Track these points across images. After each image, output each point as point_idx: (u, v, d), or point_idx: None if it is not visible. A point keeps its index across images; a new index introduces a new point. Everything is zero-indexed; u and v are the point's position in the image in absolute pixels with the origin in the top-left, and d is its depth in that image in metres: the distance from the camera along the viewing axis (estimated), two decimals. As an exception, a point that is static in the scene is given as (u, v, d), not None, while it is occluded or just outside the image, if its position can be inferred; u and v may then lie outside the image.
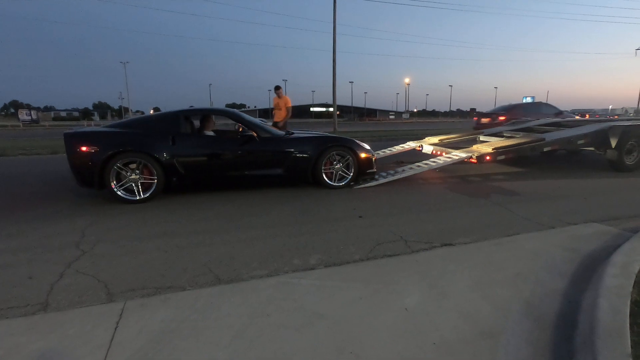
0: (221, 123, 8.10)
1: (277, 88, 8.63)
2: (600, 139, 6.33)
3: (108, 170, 4.23)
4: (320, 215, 3.85)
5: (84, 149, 4.24)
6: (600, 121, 7.93)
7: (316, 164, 5.01)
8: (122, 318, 1.94)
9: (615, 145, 6.22)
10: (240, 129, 5.21)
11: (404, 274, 2.44)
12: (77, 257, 2.75)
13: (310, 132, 6.15)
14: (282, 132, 5.33)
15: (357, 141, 5.33)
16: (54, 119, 66.82)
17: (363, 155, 5.22)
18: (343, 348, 1.70)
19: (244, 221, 3.68)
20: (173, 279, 2.41)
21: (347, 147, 5.14)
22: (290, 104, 8.46)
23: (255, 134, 4.88)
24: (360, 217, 3.77)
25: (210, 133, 5.15)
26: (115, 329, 1.85)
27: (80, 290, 2.26)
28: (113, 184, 4.28)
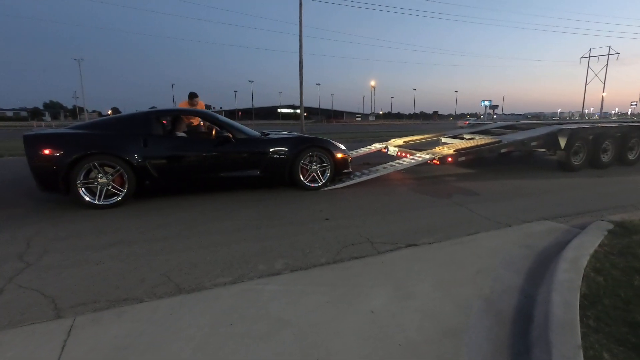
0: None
1: (193, 96, 6.97)
2: (550, 140, 6.75)
3: (74, 175, 3.97)
4: (286, 219, 3.80)
5: (46, 152, 3.95)
6: (550, 124, 8.47)
7: (293, 164, 4.99)
8: (71, 336, 1.79)
9: (564, 147, 6.66)
10: (213, 130, 5.08)
11: (370, 276, 2.45)
12: (20, 270, 2.52)
13: (286, 132, 6.12)
14: (257, 133, 5.26)
15: (333, 141, 5.39)
16: (-1, 119, 61.82)
17: (339, 155, 5.27)
18: (309, 354, 1.67)
19: (207, 226, 3.55)
20: (129, 290, 2.27)
21: (324, 147, 5.17)
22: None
23: (230, 135, 4.78)
24: (326, 219, 3.76)
25: (182, 134, 4.99)
26: (63, 348, 1.70)
27: (23, 307, 2.07)
28: (80, 189, 4.02)
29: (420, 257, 2.78)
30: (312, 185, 5.16)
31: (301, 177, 5.08)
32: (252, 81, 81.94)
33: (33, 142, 4.01)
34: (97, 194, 4.10)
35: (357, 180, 5.51)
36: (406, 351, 1.70)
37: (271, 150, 4.92)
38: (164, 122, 4.84)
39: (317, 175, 5.21)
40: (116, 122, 4.67)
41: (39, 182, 4.05)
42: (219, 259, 2.75)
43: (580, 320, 1.80)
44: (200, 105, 7.21)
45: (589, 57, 60.55)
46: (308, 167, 5.14)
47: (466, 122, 11.73)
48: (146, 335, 1.80)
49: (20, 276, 2.44)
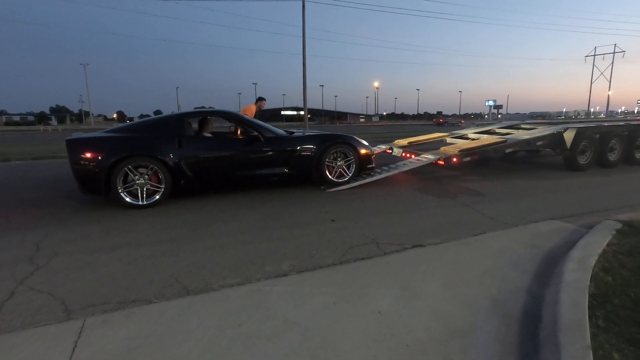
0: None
1: (261, 99, 8.40)
2: (556, 140, 6.71)
3: (115, 176, 4.13)
4: (291, 220, 3.81)
5: (89, 155, 4.12)
6: (555, 123, 8.41)
7: (319, 161, 5.19)
8: (82, 337, 1.81)
9: (570, 146, 6.61)
10: (239, 130, 5.26)
11: (377, 277, 2.45)
12: (30, 273, 2.55)
13: (311, 130, 6.37)
14: (284, 132, 5.43)
15: (357, 138, 5.56)
16: (6, 123, 62.69)
17: (363, 151, 5.47)
18: (317, 355, 1.67)
19: (213, 228, 3.57)
20: (137, 291, 2.29)
21: (349, 143, 5.37)
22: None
23: (259, 134, 4.95)
24: (332, 220, 3.76)
25: (208, 135, 5.18)
26: (74, 349, 1.72)
27: (34, 308, 2.10)
28: (120, 189, 4.19)
29: (427, 258, 2.77)
30: (339, 180, 5.36)
31: (327, 173, 5.28)
32: (256, 83, 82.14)
33: (75, 146, 4.17)
34: (139, 195, 4.27)
35: (361, 181, 5.51)
36: (414, 351, 1.70)
37: (298, 148, 5.10)
38: (194, 123, 5.07)
39: (343, 170, 5.42)
40: (151, 124, 4.83)
41: (82, 184, 4.23)
42: (226, 261, 2.76)
43: (589, 320, 1.79)
44: (254, 108, 7.97)
45: (594, 55, 60.09)
46: (333, 164, 5.34)
47: (462, 122, 11.72)
48: (155, 336, 1.82)
49: (30, 278, 2.47)
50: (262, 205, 4.46)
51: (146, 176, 4.29)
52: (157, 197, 4.35)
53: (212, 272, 2.56)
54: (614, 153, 7.16)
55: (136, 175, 4.23)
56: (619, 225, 3.15)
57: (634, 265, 2.39)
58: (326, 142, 5.21)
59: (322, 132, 5.66)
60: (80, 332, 1.85)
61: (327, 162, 5.24)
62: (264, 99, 8.41)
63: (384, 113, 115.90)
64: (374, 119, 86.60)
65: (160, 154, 4.33)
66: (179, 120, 4.77)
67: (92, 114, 66.47)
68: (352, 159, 5.40)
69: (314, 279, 2.45)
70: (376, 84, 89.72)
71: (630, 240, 2.81)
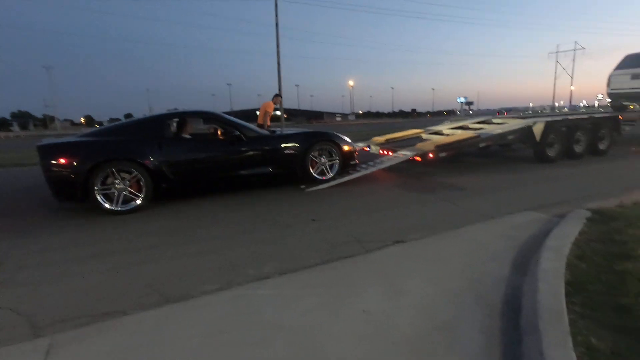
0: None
1: (277, 95, 8.91)
2: (526, 134, 6.95)
3: (92, 182, 3.94)
4: (273, 222, 3.75)
5: (63, 161, 3.91)
6: (524, 117, 8.71)
7: (303, 159, 5.14)
8: (50, 355, 1.69)
9: (539, 139, 6.86)
10: (219, 131, 5.20)
11: (360, 275, 2.44)
12: (-8, 289, 2.38)
13: (293, 129, 6.36)
14: (266, 131, 5.37)
15: (339, 134, 5.58)
16: (-38, 130, 58.69)
17: (346, 148, 5.48)
18: (304, 359, 1.63)
19: (192, 233, 3.46)
20: (111, 303, 2.17)
21: (332, 140, 5.36)
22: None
23: (241, 134, 4.84)
24: (313, 220, 3.73)
25: (187, 136, 5.03)
26: (42, 369, 1.60)
27: (-4, 328, 1.95)
28: (98, 195, 4.00)
29: (409, 254, 2.79)
30: (323, 177, 5.32)
31: (311, 169, 5.23)
32: (230, 84, 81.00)
33: (48, 152, 3.97)
34: (115, 200, 4.08)
35: (340, 180, 5.50)
36: (400, 348, 1.69)
37: (282, 146, 5.06)
38: (173, 125, 4.95)
39: (326, 168, 5.39)
40: (128, 127, 4.67)
41: (56, 191, 4.02)
42: (207, 266, 2.67)
43: (567, 307, 1.84)
44: (272, 104, 8.48)
45: (557, 52, 62.97)
46: (317, 160, 5.32)
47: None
48: (131, 350, 1.73)
49: (-8, 295, 2.30)
50: (243, 207, 4.37)
51: (127, 182, 4.13)
52: (139, 202, 4.18)
53: (192, 279, 2.47)
54: (579, 145, 7.48)
55: (117, 179, 4.06)
56: (589, 214, 3.28)
57: (605, 251, 2.49)
58: (310, 140, 5.18)
59: (305, 130, 5.65)
60: (48, 351, 1.72)
61: (312, 157, 5.21)
62: (280, 96, 8.98)
63: (360, 112, 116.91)
64: (350, 117, 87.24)
65: (140, 157, 4.17)
66: (158, 121, 4.64)
67: (58, 119, 63.51)
68: (335, 159, 5.40)
69: (298, 281, 2.40)
70: (351, 83, 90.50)
71: (600, 228, 2.93)
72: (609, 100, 10.95)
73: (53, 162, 3.92)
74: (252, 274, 2.51)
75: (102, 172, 3.99)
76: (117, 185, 4.09)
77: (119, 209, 4.10)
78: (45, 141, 4.24)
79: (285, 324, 1.91)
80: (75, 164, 3.92)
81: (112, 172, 4.04)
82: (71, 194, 4.04)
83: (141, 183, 4.19)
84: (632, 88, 9.74)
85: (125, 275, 2.55)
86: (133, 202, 4.18)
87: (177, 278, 2.49)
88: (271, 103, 8.49)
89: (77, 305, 2.16)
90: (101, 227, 3.68)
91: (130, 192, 4.17)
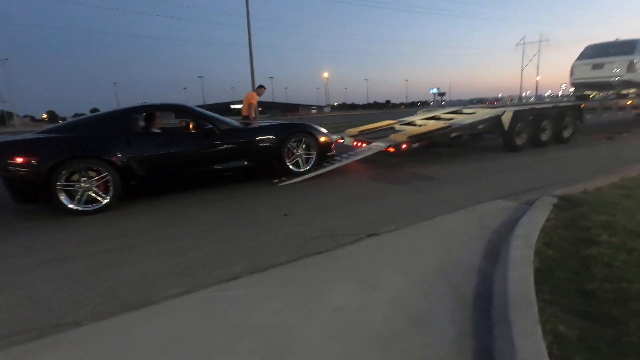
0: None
1: (261, 87, 8.88)
2: (495, 123, 7.10)
3: (54, 181, 3.65)
4: (244, 219, 3.63)
5: (19, 159, 3.61)
6: (494, 107, 8.91)
7: (279, 151, 5.02)
8: (-9, 376, 1.54)
9: (508, 128, 7.03)
10: (191, 124, 5.01)
11: (333, 271, 2.38)
12: None
13: (268, 121, 6.19)
14: (239, 124, 5.21)
15: (316, 126, 5.51)
16: None
17: (322, 139, 5.40)
18: (272, 364, 1.56)
19: (159, 233, 3.29)
20: (64, 314, 2.01)
21: (308, 132, 5.27)
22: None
23: (214, 127, 4.69)
24: (285, 215, 3.64)
25: (157, 130, 4.76)
26: (-19, 392, 1.45)
27: None
28: (61, 195, 3.73)
29: (383, 246, 2.75)
30: (298, 170, 5.23)
31: (288, 162, 5.13)
32: (202, 77, 78.79)
33: (3, 151, 3.66)
34: (77, 199, 3.82)
35: (314, 173, 5.42)
36: (373, 345, 1.65)
37: (257, 139, 4.94)
38: (142, 119, 4.72)
39: (302, 160, 5.29)
40: (93, 122, 4.39)
41: (14, 193, 3.74)
42: (171, 268, 2.54)
43: (536, 294, 1.85)
44: (255, 95, 8.48)
45: (524, 43, 65.15)
46: (294, 151, 5.22)
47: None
48: (86, 364, 1.59)
49: None
50: (215, 204, 4.22)
51: (93, 180, 3.89)
52: (106, 201, 3.95)
53: (155, 283, 2.33)
54: (545, 133, 7.73)
55: (82, 177, 3.82)
56: (555, 200, 3.36)
57: (571, 237, 2.55)
58: (286, 132, 5.08)
59: (281, 122, 5.54)
60: (-10, 371, 1.56)
61: (289, 147, 5.12)
62: (264, 87, 8.81)
63: (335, 104, 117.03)
64: (325, 109, 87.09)
65: (106, 153, 3.94)
66: (125, 116, 4.39)
67: (17, 115, 59.75)
68: (312, 152, 5.33)
69: (268, 279, 2.32)
70: (326, 75, 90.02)
71: (566, 214, 3.00)
72: (571, 89, 11.39)
73: (9, 161, 3.65)
74: (220, 275, 2.40)
75: (65, 171, 3.73)
76: (82, 184, 3.84)
77: (84, 209, 3.85)
78: (0, 139, 3.92)
79: (256, 325, 1.82)
80: (34, 162, 3.65)
81: (76, 171, 3.79)
82: (31, 196, 3.78)
83: (108, 181, 3.95)
84: (593, 77, 10.16)
85: (82, 282, 2.37)
86: (99, 202, 3.94)
87: (138, 283, 2.34)
88: (255, 94, 8.43)
89: (24, 319, 1.98)
90: (59, 230, 3.45)
91: (96, 191, 3.93)
